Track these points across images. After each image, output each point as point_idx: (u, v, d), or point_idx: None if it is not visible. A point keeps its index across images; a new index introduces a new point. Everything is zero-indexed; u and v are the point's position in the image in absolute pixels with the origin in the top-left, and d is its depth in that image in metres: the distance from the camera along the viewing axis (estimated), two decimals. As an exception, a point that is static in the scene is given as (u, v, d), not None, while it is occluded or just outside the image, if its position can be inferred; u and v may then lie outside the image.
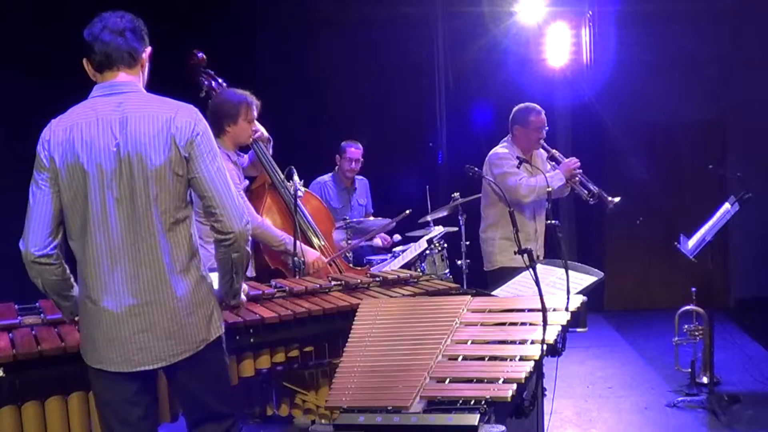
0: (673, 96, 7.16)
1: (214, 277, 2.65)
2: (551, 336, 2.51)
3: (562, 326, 2.63)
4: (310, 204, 4.53)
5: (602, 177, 5.09)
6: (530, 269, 2.57)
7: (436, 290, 3.44)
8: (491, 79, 7.07)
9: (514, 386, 2.22)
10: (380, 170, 6.47)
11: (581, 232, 7.65)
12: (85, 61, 2.49)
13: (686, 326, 4.93)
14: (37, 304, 2.96)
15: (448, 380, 2.32)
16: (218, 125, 3.91)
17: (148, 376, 2.50)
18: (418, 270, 5.08)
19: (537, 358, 2.39)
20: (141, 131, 2.39)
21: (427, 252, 5.25)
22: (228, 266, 2.57)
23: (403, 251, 5.22)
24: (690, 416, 4.54)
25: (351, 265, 4.99)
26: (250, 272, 3.99)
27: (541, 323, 2.46)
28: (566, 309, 2.71)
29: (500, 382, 2.24)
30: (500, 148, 4.83)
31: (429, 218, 5.59)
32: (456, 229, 5.58)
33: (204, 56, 4.36)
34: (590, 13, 7.04)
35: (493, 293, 3.41)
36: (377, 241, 6.00)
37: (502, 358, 2.40)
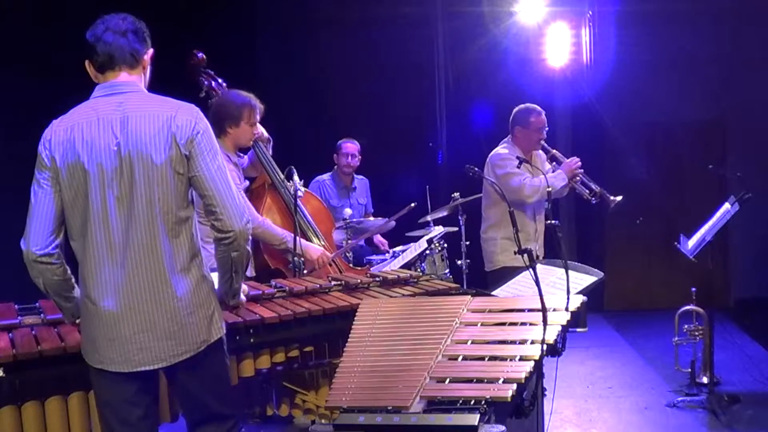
0: (673, 96, 7.16)
1: (215, 277, 2.65)
2: (551, 336, 2.51)
3: (562, 326, 2.63)
4: (310, 204, 4.53)
5: (602, 177, 5.08)
6: (530, 269, 2.57)
7: (436, 290, 3.45)
8: (491, 79, 7.07)
9: (514, 386, 2.22)
10: (380, 170, 6.47)
11: (581, 232, 7.65)
12: (87, 62, 2.50)
13: (686, 326, 4.93)
14: (37, 304, 2.97)
15: (448, 380, 2.32)
16: (220, 126, 3.90)
17: (149, 377, 2.50)
18: (418, 270, 5.08)
19: (537, 358, 2.39)
20: (142, 130, 2.40)
21: (427, 252, 5.25)
22: (228, 265, 2.57)
23: (403, 251, 5.22)
24: (690, 416, 4.54)
25: (351, 265, 4.99)
26: (250, 272, 3.99)
27: (541, 323, 2.46)
28: (566, 309, 2.71)
29: (500, 382, 2.24)
30: (501, 149, 4.84)
31: (429, 218, 5.59)
32: (456, 229, 5.58)
33: (204, 56, 4.36)
34: (590, 13, 7.04)
35: (493, 293, 3.41)
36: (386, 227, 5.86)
37: (502, 358, 2.40)
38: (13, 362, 2.47)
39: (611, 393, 5.04)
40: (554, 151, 4.89)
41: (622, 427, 4.44)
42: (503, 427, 2.09)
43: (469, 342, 2.54)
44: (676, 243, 4.95)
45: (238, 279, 2.66)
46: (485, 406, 2.14)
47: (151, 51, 2.57)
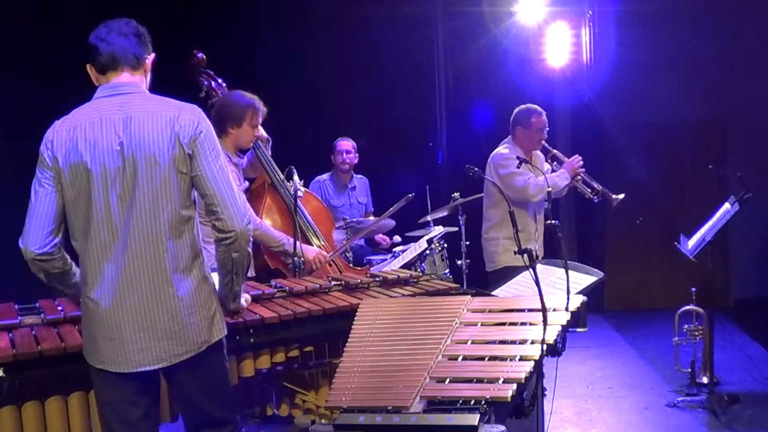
0: (673, 96, 7.16)
1: (215, 277, 2.65)
2: (551, 336, 2.51)
3: (562, 326, 2.63)
4: (310, 204, 4.53)
5: (602, 177, 5.08)
6: (530, 269, 2.57)
7: (436, 290, 3.45)
8: (491, 79, 7.07)
9: (514, 386, 2.22)
10: (380, 170, 6.47)
11: (581, 232, 7.65)
12: (88, 66, 2.52)
13: (686, 326, 4.93)
14: (37, 304, 2.97)
15: (448, 380, 2.32)
16: (221, 126, 3.89)
17: (149, 377, 2.50)
18: (418, 270, 5.07)
19: (537, 358, 2.39)
20: (145, 130, 2.40)
21: (427, 252, 5.25)
22: (228, 266, 2.57)
23: (403, 251, 5.22)
24: (690, 416, 4.54)
25: (351, 265, 4.99)
26: (250, 272, 3.99)
27: (541, 323, 2.46)
28: (566, 309, 2.71)
29: (500, 382, 2.24)
30: (502, 149, 4.84)
31: (429, 218, 5.59)
32: (456, 229, 5.58)
33: (204, 56, 4.36)
34: (590, 13, 7.04)
35: (493, 293, 3.41)
36: (386, 226, 5.81)
37: (502, 358, 2.40)
38: (13, 362, 2.47)
39: (611, 393, 5.04)
40: (555, 150, 4.90)
41: (622, 427, 4.44)
42: (503, 427, 2.09)
43: (469, 342, 2.54)
44: (676, 243, 4.95)
45: (238, 281, 2.65)
46: (485, 406, 2.14)
47: (152, 55, 2.59)
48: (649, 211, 7.16)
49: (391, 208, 4.97)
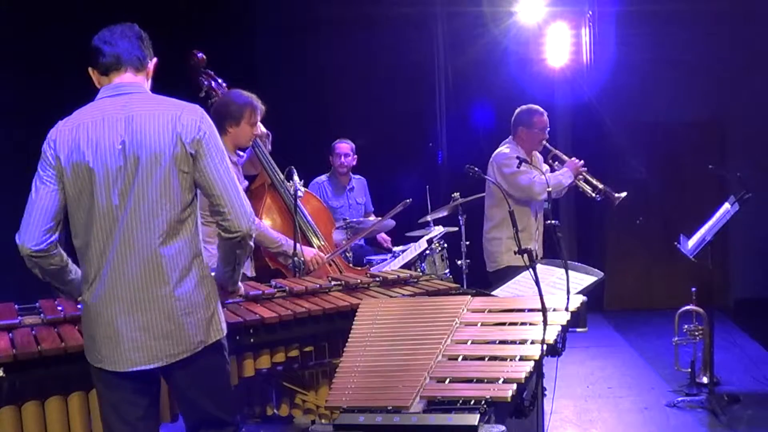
0: (673, 96, 7.16)
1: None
2: (551, 336, 2.51)
3: (562, 326, 2.63)
4: (310, 204, 4.53)
5: (602, 177, 5.09)
6: (530, 269, 2.58)
7: (436, 290, 3.45)
8: (491, 79, 7.07)
9: (514, 386, 2.22)
10: (380, 170, 6.47)
11: (581, 232, 7.65)
12: (90, 69, 2.53)
13: (686, 326, 4.92)
14: (37, 304, 2.97)
15: (448, 380, 2.32)
16: (220, 124, 3.88)
17: (148, 377, 2.50)
18: (418, 270, 5.08)
19: (537, 358, 2.39)
20: (147, 129, 2.41)
21: (427, 252, 5.25)
22: (231, 260, 2.58)
23: (403, 251, 5.22)
24: (690, 416, 4.54)
25: (351, 265, 4.99)
26: (250, 273, 3.99)
27: (541, 323, 2.46)
28: (566, 309, 2.71)
29: (500, 382, 2.24)
30: (504, 149, 4.84)
31: (429, 218, 5.59)
32: (456, 229, 5.58)
33: (204, 56, 4.36)
34: (590, 13, 7.04)
35: (493, 293, 3.41)
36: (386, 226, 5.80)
37: (502, 358, 2.40)
38: (13, 362, 2.47)
39: (611, 393, 5.04)
40: (556, 150, 4.90)
41: (622, 427, 4.44)
42: (503, 427, 2.09)
43: (469, 342, 2.55)
44: (676, 243, 4.95)
45: (238, 271, 2.67)
46: (485, 406, 2.14)
47: (155, 60, 2.60)
48: (649, 211, 7.16)
49: (387, 213, 4.98)
